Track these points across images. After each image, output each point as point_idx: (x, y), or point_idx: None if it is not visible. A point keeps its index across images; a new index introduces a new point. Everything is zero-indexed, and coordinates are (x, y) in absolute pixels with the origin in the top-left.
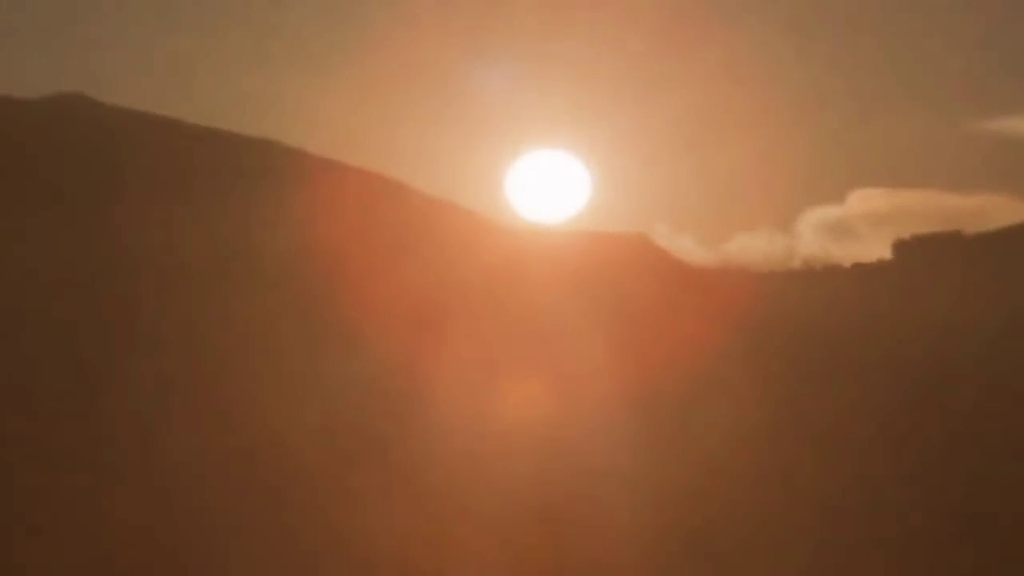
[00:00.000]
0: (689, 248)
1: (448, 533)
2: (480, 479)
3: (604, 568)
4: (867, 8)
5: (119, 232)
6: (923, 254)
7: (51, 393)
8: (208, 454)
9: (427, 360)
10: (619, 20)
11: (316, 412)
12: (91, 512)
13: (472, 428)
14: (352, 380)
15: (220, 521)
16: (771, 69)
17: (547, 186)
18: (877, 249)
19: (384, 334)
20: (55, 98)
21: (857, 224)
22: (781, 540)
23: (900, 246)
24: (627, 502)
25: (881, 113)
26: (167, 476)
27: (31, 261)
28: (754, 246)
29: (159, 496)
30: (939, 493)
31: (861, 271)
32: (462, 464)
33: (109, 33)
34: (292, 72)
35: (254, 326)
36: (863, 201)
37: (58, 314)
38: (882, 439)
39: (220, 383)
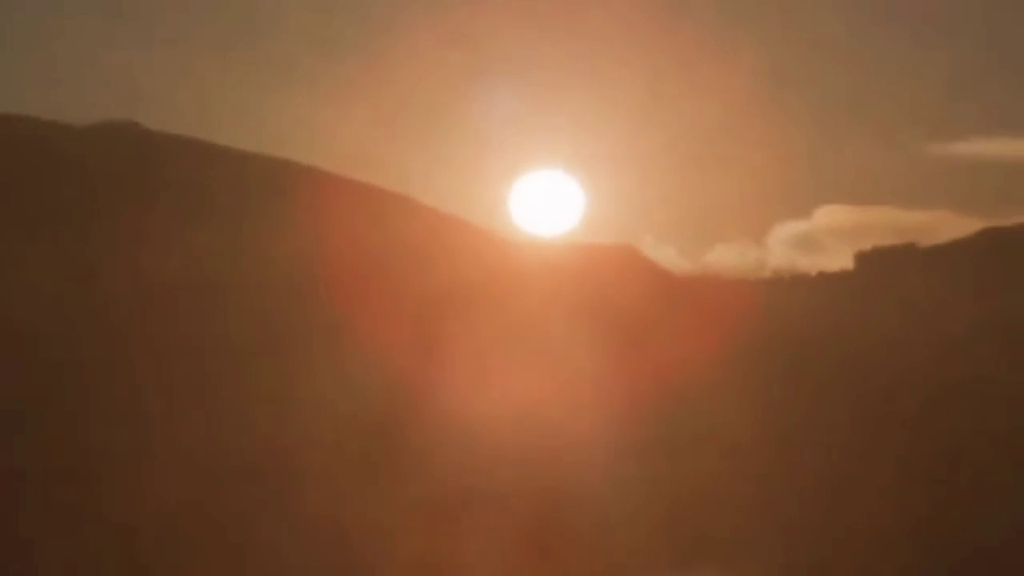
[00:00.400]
0: (672, 257)
1: (448, 533)
2: (481, 479)
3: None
4: (832, 46)
5: (149, 246)
6: (881, 264)
7: (82, 396)
8: (218, 457)
9: (434, 363)
10: (611, 52)
11: (325, 416)
12: (111, 511)
13: (475, 430)
14: (361, 384)
15: (229, 518)
16: (748, 99)
17: (545, 203)
18: (840, 260)
19: (393, 340)
20: (106, 124)
21: (822, 237)
22: (766, 535)
23: (861, 257)
24: (620, 501)
25: (843, 139)
26: (179, 479)
27: (68, 273)
28: (730, 257)
29: (173, 495)
30: (905, 492)
31: (825, 279)
32: (463, 464)
33: (138, 59)
34: (307, 99)
35: (271, 333)
36: (827, 216)
37: (90, 321)
38: (851, 436)
39: (234, 388)
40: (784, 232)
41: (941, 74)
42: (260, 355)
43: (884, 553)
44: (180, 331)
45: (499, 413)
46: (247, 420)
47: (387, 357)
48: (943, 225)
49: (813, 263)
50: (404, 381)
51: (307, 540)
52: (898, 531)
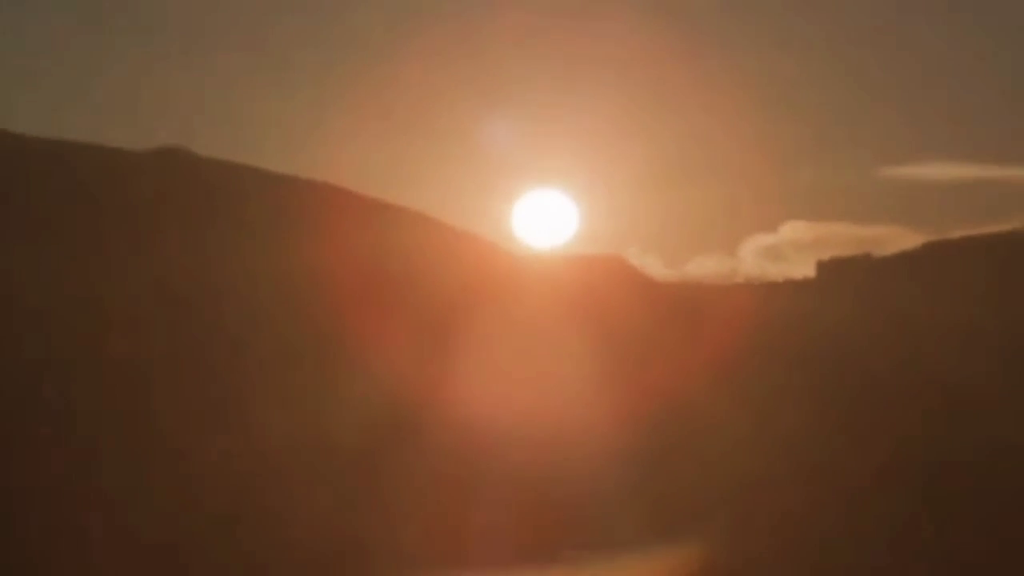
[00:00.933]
0: (655, 266)
1: (457, 511)
2: (487, 467)
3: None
4: (791, 83)
5: (190, 261)
6: (839, 272)
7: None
8: (229, 461)
9: (448, 362)
10: (603, 79)
11: (346, 414)
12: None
13: (483, 421)
14: (380, 384)
15: (238, 524)
16: (721, 126)
17: (544, 219)
18: (803, 268)
19: (409, 342)
20: (161, 150)
21: (787, 249)
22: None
23: (821, 266)
24: (614, 485)
25: (803, 162)
26: (191, 484)
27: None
28: (707, 265)
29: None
30: (878, 487)
31: (791, 285)
32: (471, 454)
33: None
34: (314, 118)
35: (298, 341)
36: (791, 231)
37: (133, 332)
38: (828, 426)
39: (261, 391)
40: (754, 244)
41: (889, 105)
42: (285, 362)
43: (859, 548)
44: (214, 339)
45: (504, 406)
46: (270, 421)
47: (404, 358)
48: (892, 238)
49: (780, 271)
50: (421, 379)
51: (320, 541)
52: (873, 528)
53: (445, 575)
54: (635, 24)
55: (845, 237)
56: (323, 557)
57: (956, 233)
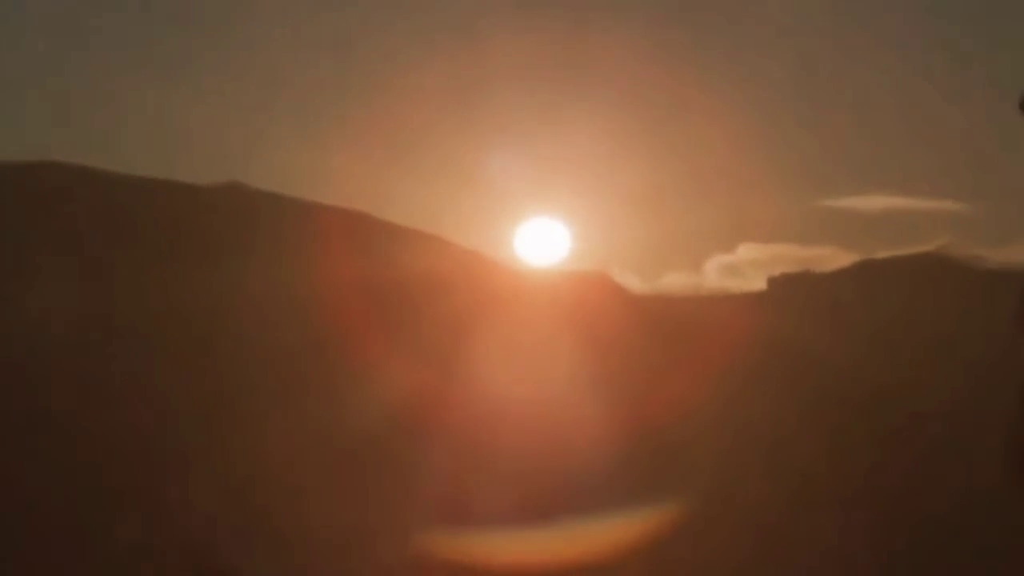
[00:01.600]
0: (633, 281)
1: (466, 492)
2: (493, 455)
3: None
4: (748, 122)
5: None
6: (786, 286)
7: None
8: (240, 466)
9: (458, 365)
10: (589, 111)
11: (356, 415)
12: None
13: (489, 417)
14: (386, 388)
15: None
16: (689, 161)
17: (541, 240)
18: (756, 283)
19: (424, 348)
20: (224, 185)
21: (743, 266)
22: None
23: (772, 281)
24: (602, 468)
25: (758, 193)
26: (205, 492)
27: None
28: (676, 281)
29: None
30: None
31: (747, 297)
32: (477, 443)
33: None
34: (321, 146)
35: (305, 357)
36: (746, 251)
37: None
38: (785, 418)
39: (284, 394)
40: (715, 262)
41: (828, 147)
42: (308, 366)
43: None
44: (254, 345)
45: (507, 401)
46: (297, 418)
47: (420, 359)
48: (830, 258)
49: (737, 285)
50: (434, 379)
51: (327, 536)
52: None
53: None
54: (622, 74)
55: (791, 257)
56: (339, 538)
57: (882, 254)
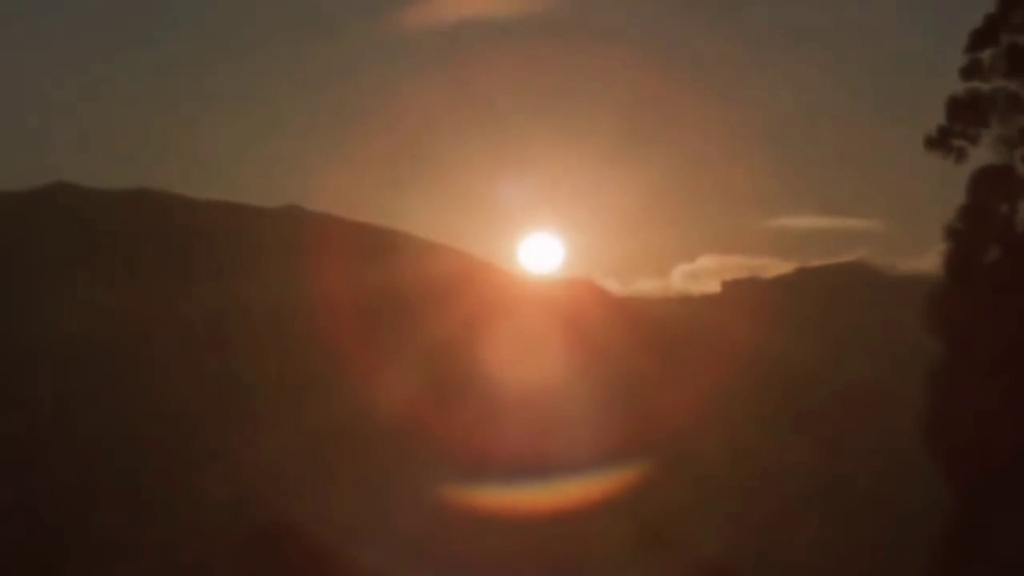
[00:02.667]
0: (613, 286)
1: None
2: (494, 442)
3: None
4: (706, 154)
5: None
6: (736, 289)
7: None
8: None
9: (469, 359)
10: (577, 151)
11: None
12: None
13: (494, 402)
14: (410, 377)
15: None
16: (658, 186)
17: (539, 252)
18: (712, 287)
19: (437, 343)
20: (287, 207)
21: (701, 273)
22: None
23: (725, 285)
24: (589, 440)
25: (714, 212)
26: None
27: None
28: (647, 285)
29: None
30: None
31: (705, 299)
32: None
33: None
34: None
35: (338, 352)
36: (705, 261)
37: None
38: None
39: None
40: (679, 270)
41: (771, 177)
42: (347, 359)
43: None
44: (283, 347)
45: (513, 380)
46: (311, 414)
47: (433, 358)
48: (772, 266)
49: (697, 288)
50: (448, 370)
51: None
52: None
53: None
54: (609, 111)
55: (740, 265)
56: (352, 520)
57: (814, 263)
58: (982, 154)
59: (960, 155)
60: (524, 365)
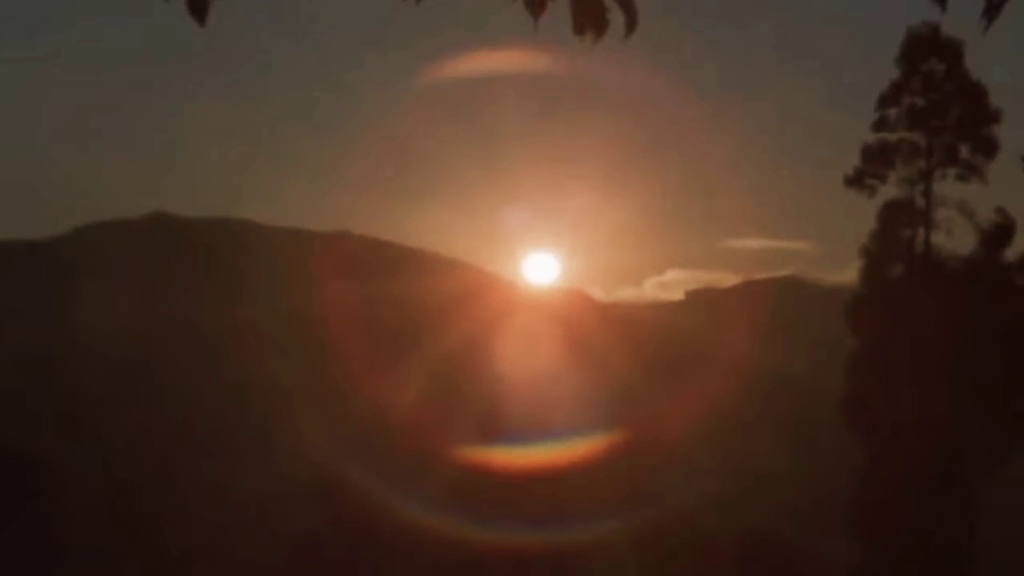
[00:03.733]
0: (598, 294)
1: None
2: (503, 413)
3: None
4: (678, 182)
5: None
6: (696, 298)
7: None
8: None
9: (480, 357)
10: (571, 175)
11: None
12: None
13: (497, 400)
14: (424, 373)
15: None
16: (636, 208)
17: (540, 267)
18: (678, 295)
19: (447, 345)
20: (338, 232)
21: (670, 285)
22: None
23: (688, 294)
24: (582, 425)
25: (681, 234)
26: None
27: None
28: (626, 294)
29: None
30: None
31: (673, 304)
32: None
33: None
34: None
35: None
36: (673, 274)
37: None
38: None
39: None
40: (651, 282)
41: (726, 203)
42: (363, 360)
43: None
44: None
45: (517, 379)
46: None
47: (452, 354)
48: (726, 279)
49: (666, 296)
50: (464, 364)
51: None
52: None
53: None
54: (601, 141)
55: (700, 278)
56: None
57: (758, 276)
58: (889, 190)
59: (872, 191)
60: (527, 358)
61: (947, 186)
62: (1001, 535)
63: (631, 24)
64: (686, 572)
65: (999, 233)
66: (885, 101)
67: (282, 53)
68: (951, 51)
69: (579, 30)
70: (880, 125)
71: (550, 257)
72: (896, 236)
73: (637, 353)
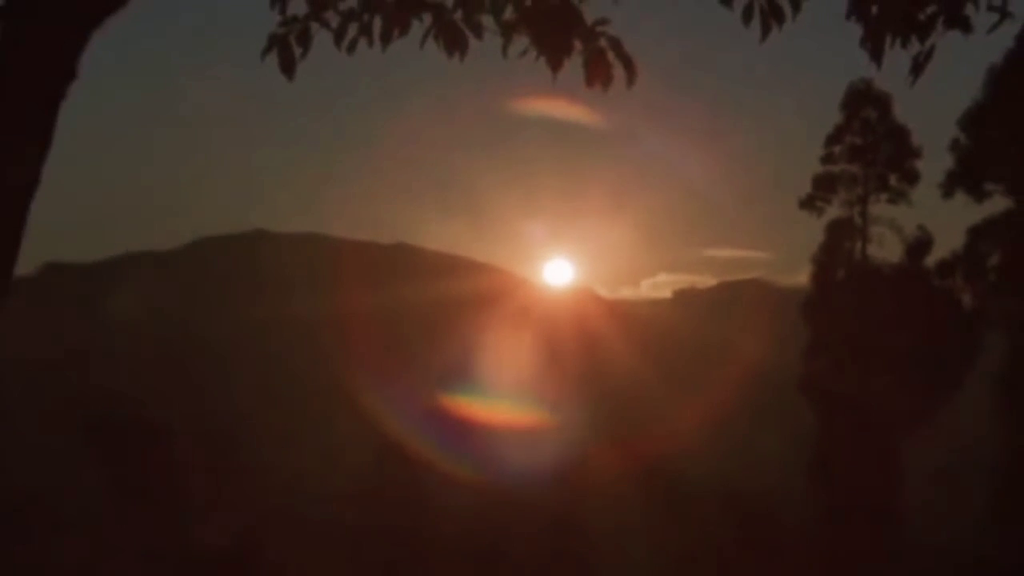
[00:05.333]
0: (603, 292)
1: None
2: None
3: None
4: (662, 205)
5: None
6: (682, 296)
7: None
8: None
9: (491, 355)
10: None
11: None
12: None
13: (502, 397)
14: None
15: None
16: (629, 220)
17: (556, 268)
18: (667, 294)
19: (463, 343)
20: (396, 244)
21: (661, 285)
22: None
23: (675, 293)
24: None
25: (668, 243)
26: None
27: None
28: (626, 292)
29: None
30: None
31: (663, 301)
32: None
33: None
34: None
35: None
36: (662, 276)
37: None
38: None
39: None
40: (646, 283)
41: (703, 218)
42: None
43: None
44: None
45: (520, 383)
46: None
47: (458, 354)
48: (705, 281)
49: (657, 295)
50: (466, 366)
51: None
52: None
53: None
54: (611, 158)
55: (684, 280)
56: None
57: (729, 279)
58: (834, 211)
59: (820, 212)
60: (547, 346)
61: (880, 208)
62: (928, 485)
63: (631, 79)
64: (669, 513)
65: (920, 245)
66: (831, 140)
67: (338, 75)
68: (882, 101)
69: (590, 83)
70: (827, 159)
71: (566, 263)
72: (839, 247)
73: (635, 340)
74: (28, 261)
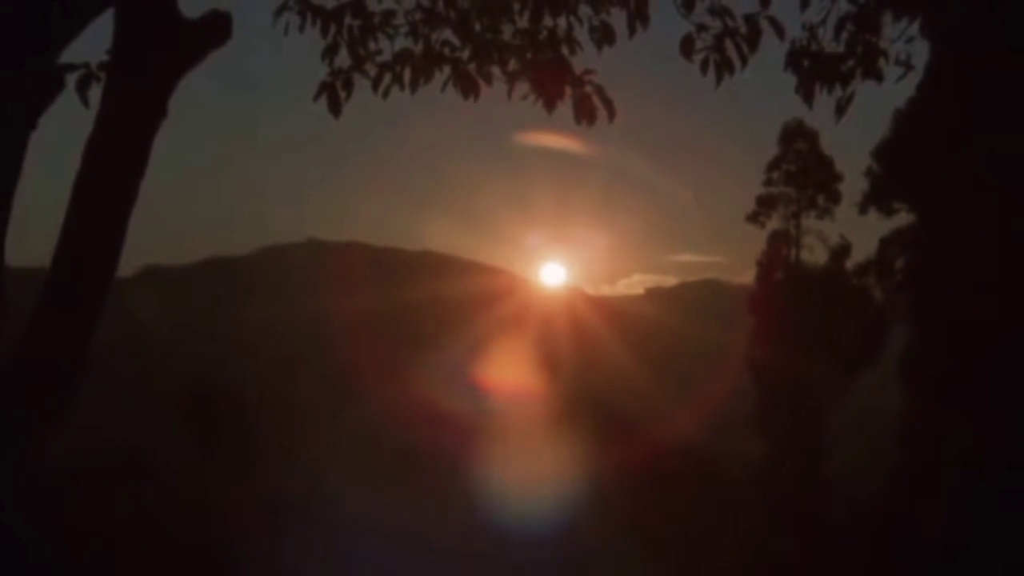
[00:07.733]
0: (588, 289)
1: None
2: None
3: None
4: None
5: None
6: (654, 294)
7: None
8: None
9: (494, 353)
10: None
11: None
12: None
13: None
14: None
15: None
16: (607, 230)
17: (550, 271)
18: (639, 291)
19: (464, 342)
20: (428, 251)
21: (635, 284)
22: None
23: (647, 291)
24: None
25: (640, 251)
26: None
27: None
28: (606, 290)
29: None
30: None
31: (637, 298)
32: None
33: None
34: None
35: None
36: (636, 277)
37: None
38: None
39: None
40: (622, 282)
41: (668, 231)
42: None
43: None
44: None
45: (518, 378)
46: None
47: (464, 352)
48: (669, 280)
49: (632, 292)
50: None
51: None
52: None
53: None
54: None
55: (653, 280)
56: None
57: (689, 279)
58: (774, 224)
59: (763, 224)
60: (546, 336)
61: (810, 222)
62: (846, 436)
63: (611, 116)
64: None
65: (842, 252)
66: (770, 167)
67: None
68: (812, 136)
69: (579, 120)
70: (768, 183)
71: (559, 266)
72: (778, 254)
73: (616, 328)
74: (127, 264)
